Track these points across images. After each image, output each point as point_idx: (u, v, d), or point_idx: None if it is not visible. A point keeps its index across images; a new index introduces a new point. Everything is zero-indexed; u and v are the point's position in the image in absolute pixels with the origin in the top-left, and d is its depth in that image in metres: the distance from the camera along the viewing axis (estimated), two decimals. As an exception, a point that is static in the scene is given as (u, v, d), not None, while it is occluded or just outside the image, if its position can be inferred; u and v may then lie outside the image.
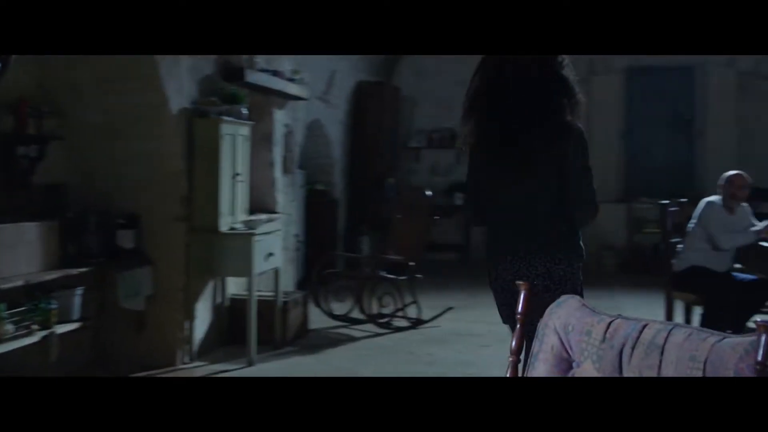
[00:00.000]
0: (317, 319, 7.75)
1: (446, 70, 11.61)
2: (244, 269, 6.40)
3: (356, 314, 7.89)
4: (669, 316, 6.53)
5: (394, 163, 11.24)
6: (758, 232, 6.21)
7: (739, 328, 6.55)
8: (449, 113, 11.99)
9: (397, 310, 7.90)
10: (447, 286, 9.73)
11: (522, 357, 2.89)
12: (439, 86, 11.92)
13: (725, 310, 6.15)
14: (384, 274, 7.76)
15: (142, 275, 6.13)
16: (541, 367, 2.79)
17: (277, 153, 8.07)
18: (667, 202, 6.68)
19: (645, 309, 8.51)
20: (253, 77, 7.02)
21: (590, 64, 11.64)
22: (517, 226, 3.37)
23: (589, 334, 2.71)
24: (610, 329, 2.68)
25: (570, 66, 3.38)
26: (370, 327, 7.68)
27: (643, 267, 11.08)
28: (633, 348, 2.62)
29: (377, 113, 10.60)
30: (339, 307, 8.06)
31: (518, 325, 2.84)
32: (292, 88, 7.94)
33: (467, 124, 3.40)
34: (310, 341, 7.22)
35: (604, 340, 2.67)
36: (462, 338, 7.36)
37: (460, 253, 11.40)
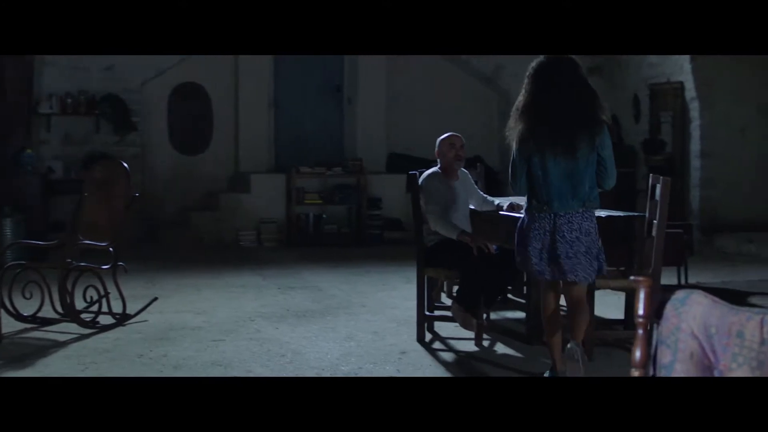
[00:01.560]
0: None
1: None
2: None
3: (48, 313, 6.60)
4: (421, 293, 6.26)
5: (30, 132, 9.70)
6: (459, 234, 6.08)
7: (492, 302, 6.48)
8: (85, 74, 10.67)
9: (94, 303, 6.75)
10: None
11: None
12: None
13: (480, 283, 6.02)
14: (81, 263, 6.56)
15: None
16: (681, 380, 2.30)
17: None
18: (415, 172, 6.39)
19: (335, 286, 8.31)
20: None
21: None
22: (565, 193, 4.78)
23: (741, 336, 2.27)
24: (766, 328, 2.28)
25: None
26: (69, 326, 6.47)
27: (306, 239, 10.79)
28: (800, 349, 2.25)
29: (16, 74, 9.02)
30: (26, 306, 6.67)
31: (641, 331, 2.32)
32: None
33: (522, 122, 4.79)
34: (8, 351, 5.90)
35: (763, 342, 2.26)
36: (183, 333, 6.46)
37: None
